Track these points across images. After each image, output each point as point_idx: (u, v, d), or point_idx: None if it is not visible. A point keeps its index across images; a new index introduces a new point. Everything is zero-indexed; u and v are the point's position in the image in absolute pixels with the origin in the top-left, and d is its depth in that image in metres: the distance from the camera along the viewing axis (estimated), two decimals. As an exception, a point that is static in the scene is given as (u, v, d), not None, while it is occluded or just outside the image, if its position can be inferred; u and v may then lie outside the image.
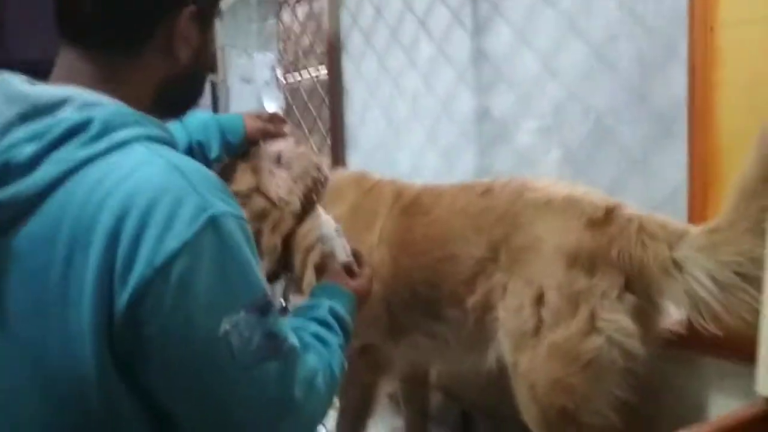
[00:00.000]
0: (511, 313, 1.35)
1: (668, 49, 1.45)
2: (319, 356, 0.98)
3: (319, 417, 0.97)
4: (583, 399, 1.27)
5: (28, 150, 0.78)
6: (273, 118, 1.77)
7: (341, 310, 1.13)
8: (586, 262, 1.27)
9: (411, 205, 1.62)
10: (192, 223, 0.77)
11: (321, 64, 2.76)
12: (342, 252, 1.28)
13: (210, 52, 0.98)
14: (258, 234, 1.66)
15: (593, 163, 1.63)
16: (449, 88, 2.03)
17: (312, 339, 1.01)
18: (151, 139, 0.84)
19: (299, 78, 2.92)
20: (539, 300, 1.30)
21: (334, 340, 1.05)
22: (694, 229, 1.25)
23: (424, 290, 1.54)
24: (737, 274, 1.17)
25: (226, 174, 1.63)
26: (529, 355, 1.32)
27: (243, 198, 1.62)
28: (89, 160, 0.79)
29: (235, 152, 1.66)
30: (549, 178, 1.63)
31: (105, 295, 0.75)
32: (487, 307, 1.43)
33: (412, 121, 2.20)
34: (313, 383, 0.91)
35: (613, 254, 1.26)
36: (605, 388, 1.27)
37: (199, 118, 1.60)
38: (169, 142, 0.88)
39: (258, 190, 1.64)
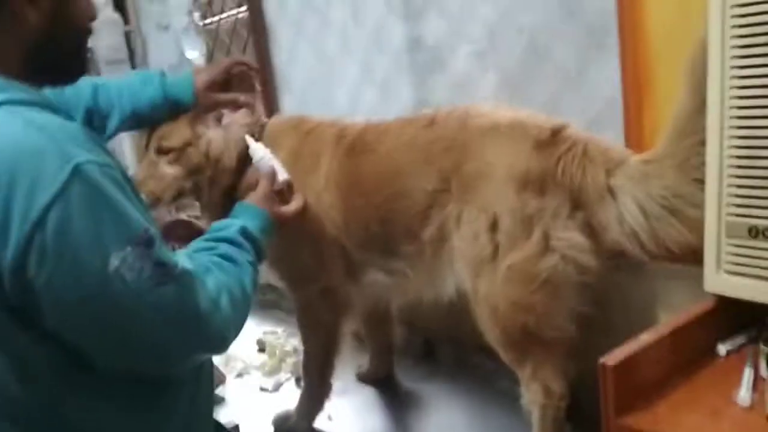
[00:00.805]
0: (467, 242, 1.37)
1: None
2: (226, 274, 1.03)
3: (232, 332, 1.01)
4: (542, 316, 1.31)
5: None
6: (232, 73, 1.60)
7: (254, 229, 1.21)
8: (535, 183, 1.29)
9: (355, 145, 1.59)
10: (57, 174, 0.82)
11: (239, 5, 2.62)
12: (283, 172, 1.43)
13: (70, 11, 0.96)
14: (198, 189, 1.63)
15: (529, 84, 1.62)
16: (378, 18, 1.96)
17: (218, 259, 1.07)
18: (14, 102, 0.87)
19: (217, 20, 2.77)
20: (494, 226, 1.32)
21: (244, 257, 1.12)
22: (633, 158, 1.28)
23: (378, 228, 1.54)
24: (663, 207, 1.21)
25: (168, 129, 1.57)
26: (488, 280, 1.35)
27: (178, 152, 1.57)
28: None
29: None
30: (489, 103, 1.63)
31: None
32: (442, 238, 1.45)
33: (343, 56, 2.13)
34: (218, 300, 0.96)
35: (559, 174, 1.29)
36: (563, 304, 1.32)
37: (117, 83, 1.51)
38: (40, 104, 0.91)
39: (191, 144, 1.58)
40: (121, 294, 0.84)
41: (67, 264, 0.82)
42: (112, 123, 1.50)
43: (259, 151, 1.52)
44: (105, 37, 2.26)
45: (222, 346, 1.00)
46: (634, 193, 1.24)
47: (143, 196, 1.41)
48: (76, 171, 0.83)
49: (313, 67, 2.27)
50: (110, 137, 1.56)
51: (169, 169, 1.58)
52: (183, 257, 0.97)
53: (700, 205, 1.09)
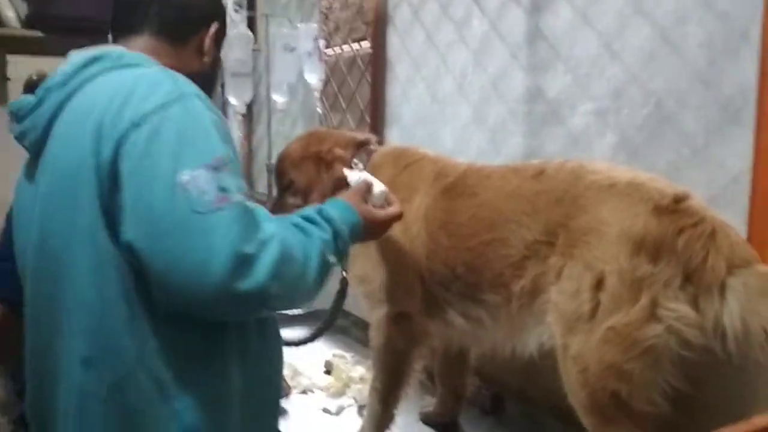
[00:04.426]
0: (566, 296, 1.34)
1: (739, 33, 1.41)
2: (290, 233, 1.07)
3: (273, 284, 0.97)
4: (637, 386, 1.25)
5: (61, 76, 1.11)
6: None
7: (334, 214, 1.21)
8: (651, 248, 1.25)
9: (455, 185, 1.61)
10: (167, 95, 1.01)
11: (362, 39, 2.73)
12: (379, 184, 1.43)
13: (218, 69, 1.40)
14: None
15: (650, 150, 1.59)
16: (500, 66, 1.99)
17: (288, 223, 1.11)
18: (165, 70, 1.11)
19: (339, 51, 2.89)
20: (599, 284, 1.28)
21: (316, 231, 1.13)
22: (760, 267, 1.23)
23: (464, 273, 1.53)
24: (766, 332, 1.18)
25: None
26: (582, 338, 1.31)
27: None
28: (103, 73, 1.09)
29: None
30: (604, 161, 1.60)
31: (95, 150, 0.99)
32: (535, 292, 1.42)
33: (458, 98, 2.16)
34: (267, 243, 0.98)
35: (680, 246, 1.24)
36: (660, 377, 1.25)
37: None
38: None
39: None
40: (181, 206, 0.94)
41: (147, 165, 0.96)
42: None
43: (353, 175, 1.55)
44: (235, 51, 2.39)
45: (258, 292, 0.96)
46: (744, 303, 1.20)
47: None
48: (182, 96, 1.02)
49: (425, 105, 2.32)
50: None
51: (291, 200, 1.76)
52: (256, 206, 1.04)
53: None
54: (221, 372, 1.10)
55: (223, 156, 1.00)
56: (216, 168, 0.98)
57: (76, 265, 1.03)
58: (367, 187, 1.40)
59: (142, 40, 1.24)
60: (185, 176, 0.95)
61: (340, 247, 1.19)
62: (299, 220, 1.14)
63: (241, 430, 1.15)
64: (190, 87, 1.07)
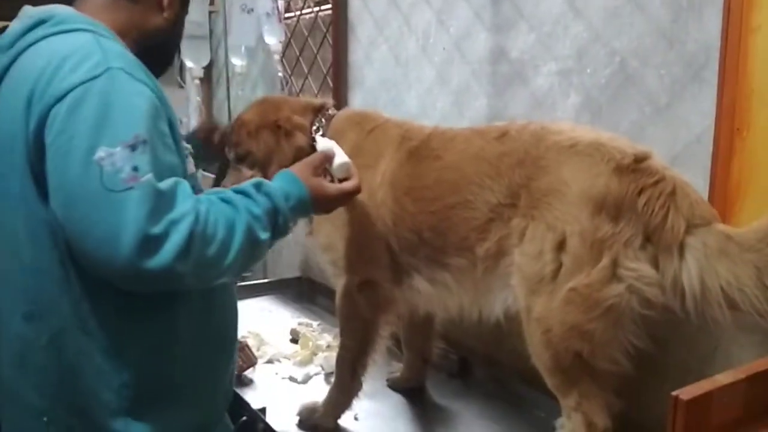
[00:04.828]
0: (528, 258, 1.33)
1: (702, -9, 1.39)
2: (215, 210, 1.05)
3: (181, 263, 0.98)
4: (599, 345, 1.26)
5: (8, 38, 1.13)
6: None
7: (275, 188, 1.18)
8: (611, 208, 1.24)
9: (419, 149, 1.58)
10: (92, 69, 1.01)
11: (323, 2, 2.65)
12: (342, 154, 1.37)
13: (182, 26, 1.29)
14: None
15: (613, 109, 1.58)
16: (464, 26, 1.95)
17: (216, 198, 1.10)
18: (99, 34, 1.08)
19: (299, 12, 2.80)
20: (560, 245, 1.28)
21: (246, 205, 1.11)
22: (718, 226, 1.24)
23: (430, 236, 1.51)
24: (723, 291, 1.19)
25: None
26: (545, 300, 1.30)
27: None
28: (44, 38, 1.08)
29: None
30: (568, 122, 1.59)
31: (26, 120, 1.01)
32: (499, 254, 1.41)
33: (422, 61, 2.12)
34: (178, 223, 0.98)
35: (640, 204, 1.24)
36: (622, 336, 1.26)
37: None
38: (112, 40, 1.11)
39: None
40: (93, 182, 0.95)
41: (65, 138, 0.97)
42: None
43: (324, 142, 1.48)
44: (190, 13, 2.28)
45: (165, 271, 0.97)
46: (702, 262, 1.21)
47: None
48: (107, 71, 1.01)
49: (388, 67, 2.27)
50: None
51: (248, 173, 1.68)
52: (176, 183, 1.02)
53: (760, 312, 1.11)
54: (166, 328, 1.14)
55: (142, 134, 1.00)
56: (133, 147, 0.98)
57: (14, 230, 1.06)
58: (327, 158, 1.34)
59: None
60: (101, 152, 0.96)
61: (279, 221, 1.15)
62: (230, 195, 1.12)
63: (190, 381, 1.18)
64: (120, 60, 1.04)
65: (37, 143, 1.01)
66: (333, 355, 1.87)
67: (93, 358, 1.09)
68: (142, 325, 1.11)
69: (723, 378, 0.90)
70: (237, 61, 2.71)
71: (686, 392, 0.84)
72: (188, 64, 2.60)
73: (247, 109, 1.80)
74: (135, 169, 0.97)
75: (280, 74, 2.58)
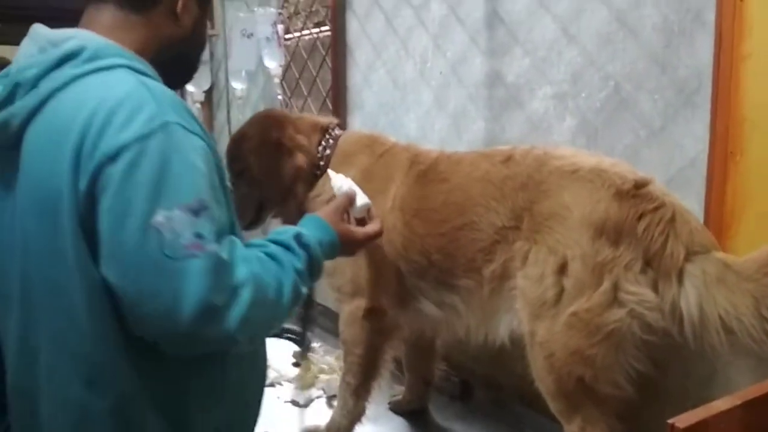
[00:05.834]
0: (531, 282, 1.34)
1: (694, 16, 1.42)
2: (265, 271, 1.01)
3: (245, 329, 0.95)
4: (601, 370, 1.27)
5: (33, 71, 0.99)
6: None
7: (311, 238, 1.15)
8: (612, 232, 1.25)
9: (427, 173, 1.60)
10: (147, 124, 0.92)
11: (322, 23, 2.68)
12: (363, 196, 1.35)
13: (205, 29, 1.18)
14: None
15: (608, 132, 1.60)
16: (460, 50, 1.98)
17: (263, 255, 1.05)
18: (134, 69, 1.00)
19: (298, 35, 2.83)
20: (562, 269, 1.29)
21: (290, 260, 1.08)
22: (717, 254, 1.25)
23: (439, 258, 1.52)
24: (721, 319, 1.21)
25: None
26: (548, 324, 1.31)
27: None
28: (78, 77, 0.98)
29: None
30: (569, 147, 1.61)
31: (74, 178, 0.92)
32: (504, 276, 1.42)
33: (420, 84, 2.15)
34: (240, 291, 0.94)
35: (640, 229, 1.25)
36: (624, 360, 1.27)
37: None
38: (154, 77, 1.02)
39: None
40: (152, 249, 0.89)
41: (121, 201, 0.90)
42: None
43: (338, 180, 1.45)
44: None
45: (226, 339, 0.95)
46: (701, 289, 1.23)
47: None
48: (163, 126, 0.93)
49: (387, 91, 2.30)
50: None
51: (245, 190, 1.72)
52: (231, 245, 0.97)
53: (756, 340, 1.14)
54: (217, 381, 1.08)
55: (204, 198, 0.94)
56: (196, 211, 0.92)
57: (69, 293, 0.97)
58: (350, 201, 1.33)
59: (109, 12, 1.07)
60: (160, 217, 0.90)
61: (314, 273, 1.15)
62: (275, 250, 1.08)
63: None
64: (173, 109, 0.96)
65: (88, 204, 0.93)
66: (335, 378, 1.89)
67: (158, 424, 1.02)
68: (192, 380, 1.05)
69: (719, 404, 0.90)
70: (237, 85, 2.73)
71: (682, 420, 0.85)
72: (189, 88, 2.63)
73: (248, 123, 1.80)
74: (198, 236, 0.91)
75: (279, 97, 2.61)
